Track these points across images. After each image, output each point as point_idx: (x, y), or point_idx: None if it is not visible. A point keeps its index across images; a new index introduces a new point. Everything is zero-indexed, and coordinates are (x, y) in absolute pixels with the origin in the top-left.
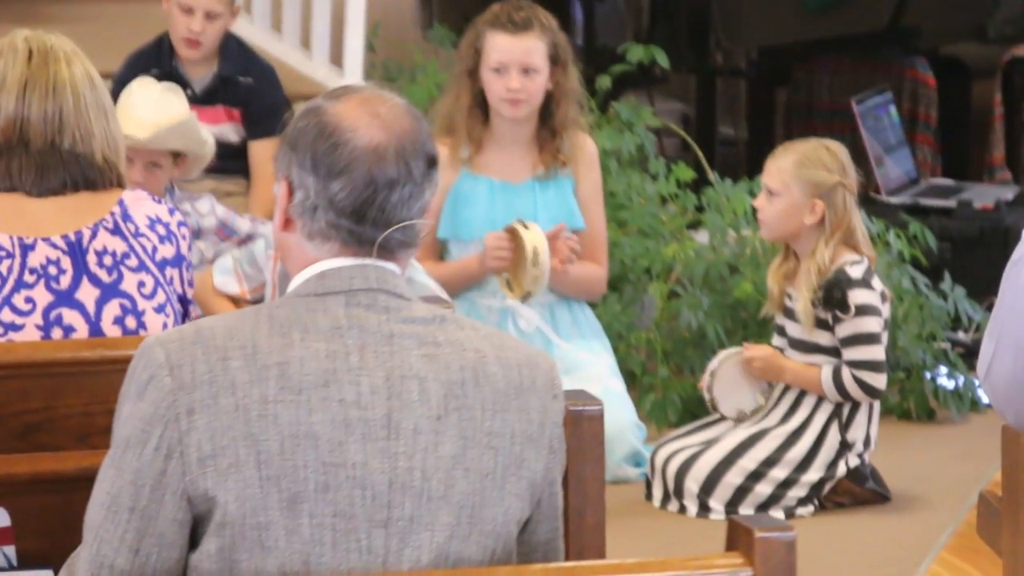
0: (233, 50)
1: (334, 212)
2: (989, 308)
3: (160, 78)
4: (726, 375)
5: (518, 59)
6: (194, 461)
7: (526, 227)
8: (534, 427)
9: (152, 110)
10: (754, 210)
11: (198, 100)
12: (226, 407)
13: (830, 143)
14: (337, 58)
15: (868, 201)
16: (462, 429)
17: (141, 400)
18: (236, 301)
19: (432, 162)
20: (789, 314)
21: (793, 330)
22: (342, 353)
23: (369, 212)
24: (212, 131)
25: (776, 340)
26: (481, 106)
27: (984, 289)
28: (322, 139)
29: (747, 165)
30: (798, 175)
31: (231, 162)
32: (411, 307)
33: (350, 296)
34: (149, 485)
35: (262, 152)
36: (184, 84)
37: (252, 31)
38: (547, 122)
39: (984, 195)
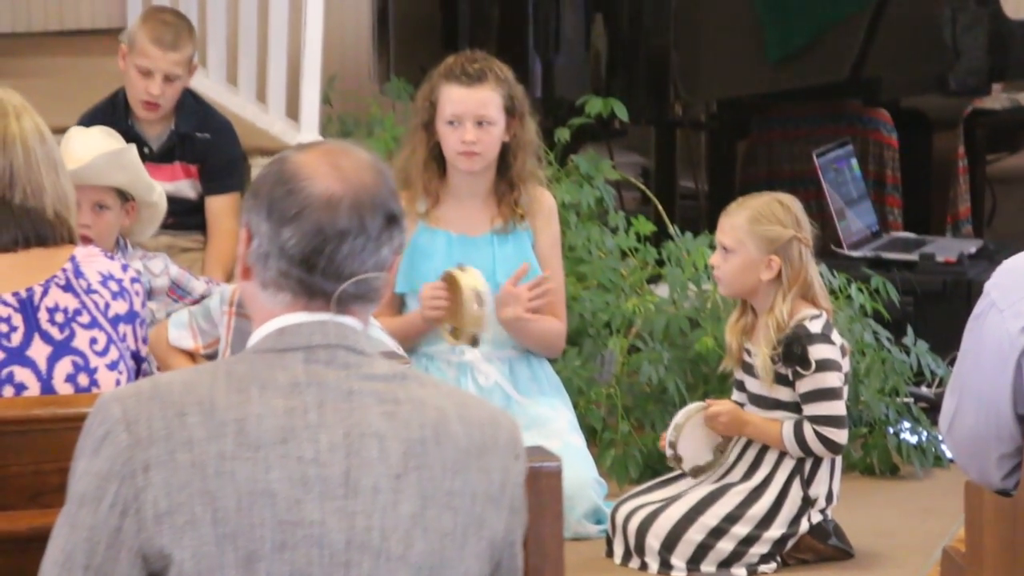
0: (190, 106)
1: (285, 260)
2: (952, 363)
3: None
4: (690, 431)
5: (472, 111)
6: (150, 518)
7: (463, 270)
8: (495, 487)
9: (89, 147)
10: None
11: (155, 158)
12: (183, 463)
13: (783, 197)
14: (293, 111)
15: (829, 254)
16: (422, 488)
17: (97, 456)
18: (192, 356)
19: (392, 219)
20: (748, 369)
21: (753, 385)
22: (300, 410)
23: (318, 262)
24: (169, 188)
25: (736, 395)
26: (437, 159)
27: (947, 343)
28: (279, 185)
29: (708, 218)
30: (752, 231)
31: (188, 218)
32: (371, 363)
33: (309, 352)
34: (104, 542)
35: (219, 207)
36: (141, 143)
37: (207, 84)
38: (504, 175)
39: (946, 249)
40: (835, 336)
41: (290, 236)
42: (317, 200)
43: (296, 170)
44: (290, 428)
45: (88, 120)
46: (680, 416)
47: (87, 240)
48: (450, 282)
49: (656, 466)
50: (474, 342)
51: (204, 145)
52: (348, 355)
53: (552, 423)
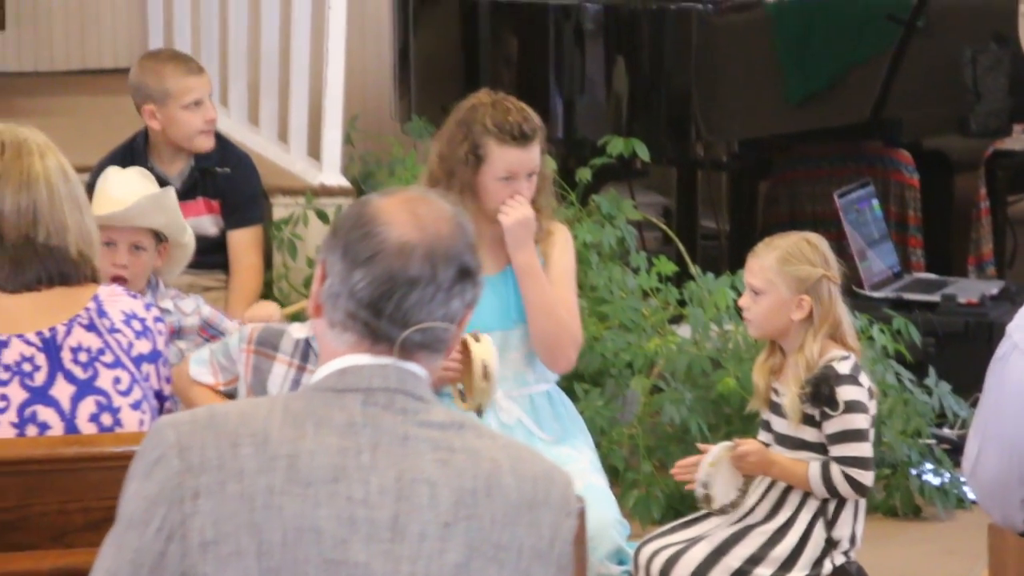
0: None
1: (354, 302)
2: (974, 404)
3: None
4: (720, 471)
5: (527, 169)
6: (195, 545)
7: (477, 340)
8: (544, 543)
9: (128, 189)
10: (737, 306)
11: (178, 195)
12: (232, 493)
13: (810, 236)
14: (315, 151)
15: (851, 295)
16: (470, 539)
17: (148, 479)
18: (213, 391)
19: (466, 273)
20: (775, 409)
21: (779, 426)
22: (354, 450)
23: (385, 307)
24: (191, 224)
25: (762, 435)
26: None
27: (969, 385)
28: (357, 228)
29: (729, 258)
30: (782, 271)
31: (209, 256)
32: (429, 410)
33: (368, 395)
34: (148, 566)
35: (242, 241)
36: (163, 182)
37: (229, 124)
38: None
39: (968, 290)
40: (863, 378)
41: (361, 279)
42: (391, 246)
43: (375, 214)
44: (342, 467)
45: (108, 163)
46: (712, 456)
47: (123, 281)
48: (464, 348)
49: (678, 506)
50: (478, 412)
51: (225, 180)
52: (407, 400)
53: (574, 463)
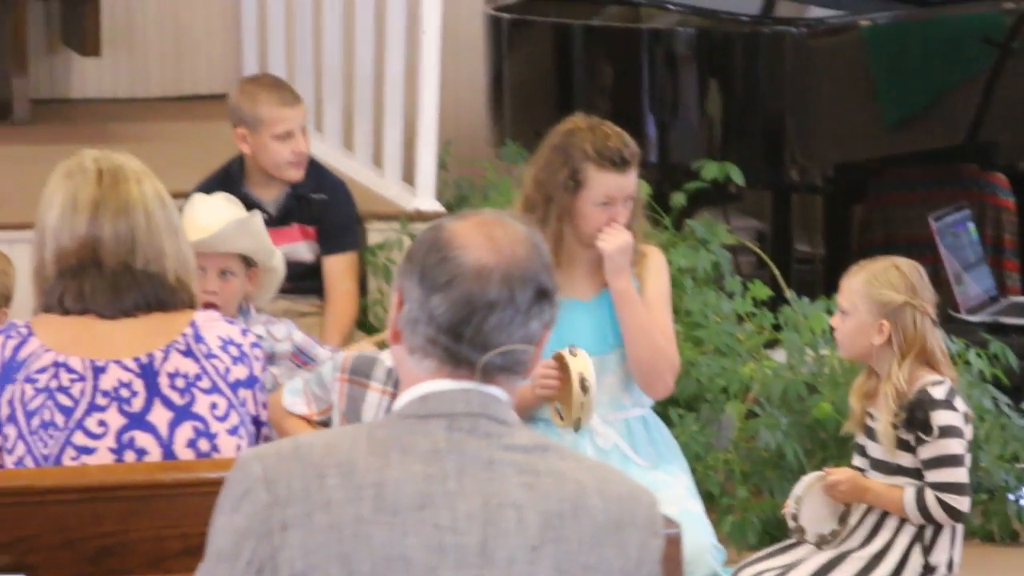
0: (306, 168)
1: (433, 327)
2: None
3: None
4: (811, 501)
5: (626, 194)
6: None
7: (573, 354)
8: (631, 563)
9: (215, 216)
10: (832, 328)
11: (273, 222)
12: (320, 524)
13: (902, 262)
14: (409, 176)
15: (947, 319)
16: (558, 561)
17: (236, 513)
18: (307, 421)
19: (543, 294)
20: (870, 434)
21: (874, 451)
22: (440, 477)
23: (465, 331)
24: (286, 251)
25: (857, 460)
26: (560, 220)
27: None
28: (433, 253)
29: (824, 283)
30: (866, 294)
31: (305, 282)
32: (513, 434)
33: (451, 420)
34: None
35: (337, 267)
36: (259, 207)
37: (324, 149)
38: None
39: None
40: (958, 403)
41: (439, 304)
42: (468, 270)
43: (450, 239)
44: (428, 495)
45: (204, 188)
46: (800, 487)
47: (213, 307)
48: (560, 363)
49: (774, 532)
50: (577, 427)
51: (321, 206)
52: (490, 424)
53: (670, 488)
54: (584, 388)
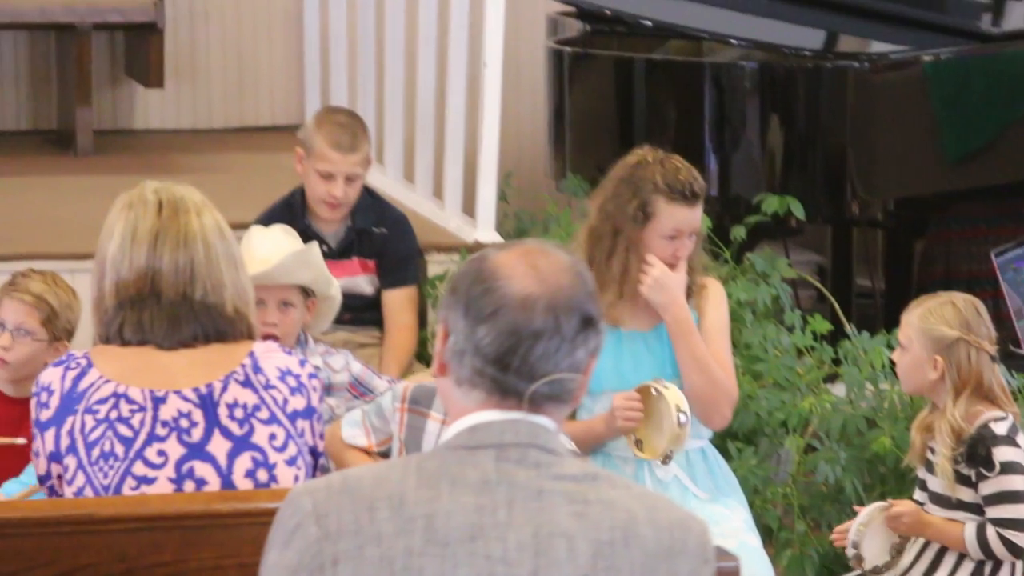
0: (366, 202)
1: (479, 358)
2: None
3: None
4: (872, 531)
5: (691, 227)
6: None
7: (666, 388)
8: None
9: (274, 248)
10: (892, 363)
11: (334, 254)
12: (371, 558)
13: (959, 298)
14: (470, 208)
15: (1008, 356)
16: None
17: (287, 548)
18: (367, 453)
19: (588, 322)
20: (930, 468)
21: (935, 485)
22: (490, 508)
23: (512, 362)
24: (346, 284)
25: (917, 494)
26: (626, 251)
27: None
28: (477, 284)
29: (884, 317)
30: (921, 330)
31: (364, 314)
32: (562, 463)
33: (500, 451)
34: None
35: (397, 301)
36: (319, 240)
37: (385, 181)
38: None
39: None
40: (1021, 439)
41: (485, 335)
42: (513, 300)
43: (494, 269)
44: (479, 526)
45: (266, 219)
46: (863, 516)
47: (274, 338)
48: (645, 395)
49: (832, 566)
50: (666, 459)
51: (381, 240)
52: (539, 454)
53: (728, 521)
54: (681, 421)
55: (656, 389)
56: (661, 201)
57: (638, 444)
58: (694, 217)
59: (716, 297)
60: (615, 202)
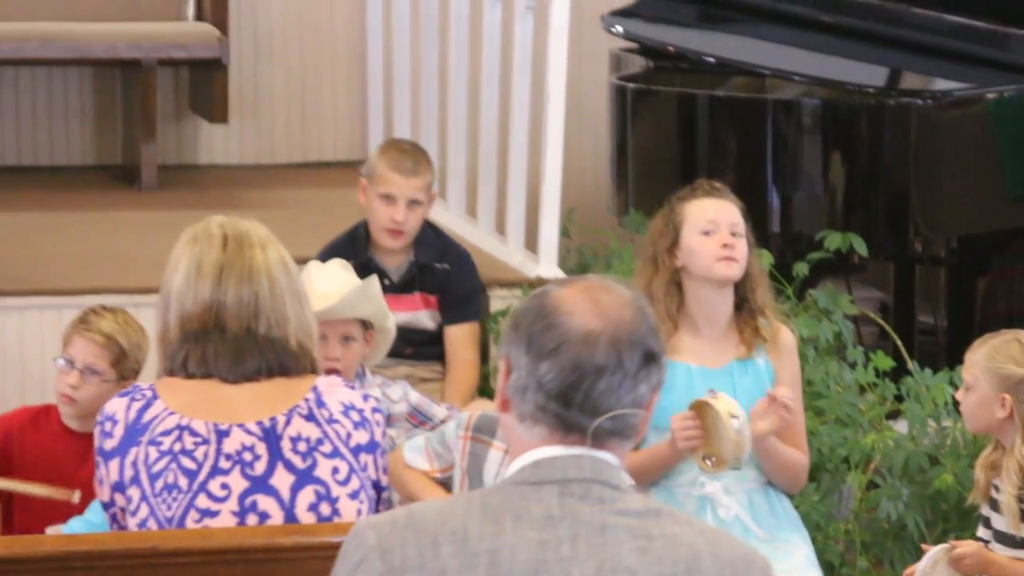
0: (429, 237)
1: (542, 394)
2: None
3: (357, 269)
4: (938, 573)
5: (728, 219)
6: None
7: (716, 397)
8: None
9: (334, 283)
10: (955, 401)
11: (395, 289)
12: None
13: None
14: (532, 244)
15: None
16: None
17: None
18: (428, 474)
19: (650, 357)
20: (995, 506)
21: (999, 523)
22: (554, 543)
23: (575, 397)
24: (408, 318)
25: (981, 531)
26: (677, 285)
27: None
28: (539, 320)
29: (947, 355)
30: (987, 368)
31: (426, 348)
32: (625, 499)
33: (564, 486)
34: None
35: (458, 336)
36: (382, 274)
37: (447, 216)
38: (743, 305)
39: None
40: None
41: (548, 371)
42: (575, 336)
43: (556, 305)
44: (543, 561)
45: (329, 253)
46: (926, 561)
47: (336, 372)
48: (700, 410)
49: None
50: (736, 466)
51: (443, 275)
52: (603, 490)
53: (790, 558)
54: (738, 425)
55: (706, 403)
56: (687, 204)
57: (707, 459)
58: (724, 208)
59: (790, 347)
60: (656, 228)
